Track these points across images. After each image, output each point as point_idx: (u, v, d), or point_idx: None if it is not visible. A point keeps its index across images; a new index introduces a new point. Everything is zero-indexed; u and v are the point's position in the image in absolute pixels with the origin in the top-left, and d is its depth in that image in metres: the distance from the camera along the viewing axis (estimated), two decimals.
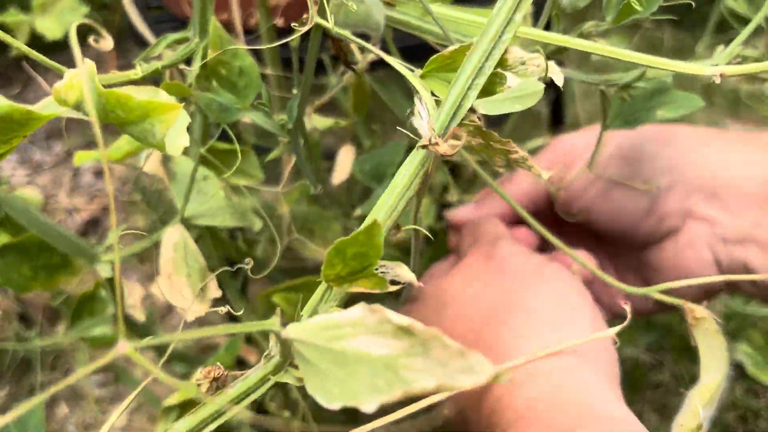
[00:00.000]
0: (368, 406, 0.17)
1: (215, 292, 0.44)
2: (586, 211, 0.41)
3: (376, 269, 0.22)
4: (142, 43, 0.55)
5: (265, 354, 0.23)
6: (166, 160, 0.53)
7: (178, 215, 0.49)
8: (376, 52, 0.28)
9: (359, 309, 0.18)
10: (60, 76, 0.28)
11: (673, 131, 0.41)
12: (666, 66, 0.25)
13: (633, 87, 0.37)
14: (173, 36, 0.38)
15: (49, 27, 0.73)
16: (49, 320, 0.86)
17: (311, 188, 0.38)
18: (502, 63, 0.27)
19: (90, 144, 1.16)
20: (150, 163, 0.52)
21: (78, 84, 0.23)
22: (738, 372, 0.99)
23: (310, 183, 0.37)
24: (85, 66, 0.22)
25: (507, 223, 0.44)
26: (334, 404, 0.18)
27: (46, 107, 0.28)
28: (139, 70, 0.35)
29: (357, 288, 0.23)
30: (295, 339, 0.19)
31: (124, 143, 0.51)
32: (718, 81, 0.25)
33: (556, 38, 0.26)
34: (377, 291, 0.23)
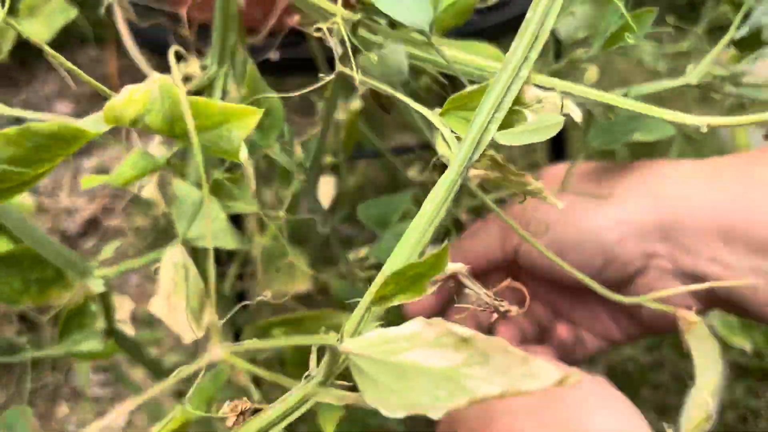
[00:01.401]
0: (434, 414, 0.18)
1: (212, 316, 0.44)
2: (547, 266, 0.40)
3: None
4: (144, 44, 0.55)
5: (305, 375, 0.24)
6: (163, 184, 0.54)
7: (180, 236, 0.50)
8: (403, 99, 0.30)
9: (416, 324, 0.19)
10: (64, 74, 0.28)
11: (629, 165, 0.40)
12: (658, 114, 0.27)
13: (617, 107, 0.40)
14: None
15: (37, 30, 0.72)
16: (51, 321, 0.84)
17: (318, 225, 0.39)
18: (519, 100, 0.29)
19: (91, 145, 1.14)
20: (146, 190, 0.53)
21: (140, 99, 0.24)
22: (738, 372, 1.02)
23: (319, 222, 0.38)
24: (162, 79, 0.23)
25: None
26: (396, 414, 0.19)
27: (94, 124, 0.29)
28: None
29: (396, 302, 0.24)
30: (352, 353, 0.20)
31: (128, 169, 0.51)
32: (704, 131, 0.27)
33: (545, 80, 0.28)
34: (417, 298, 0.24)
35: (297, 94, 0.35)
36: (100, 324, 0.51)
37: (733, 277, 0.33)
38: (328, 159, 0.60)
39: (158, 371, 0.60)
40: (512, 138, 0.28)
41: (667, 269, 0.37)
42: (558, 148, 0.78)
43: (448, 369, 0.18)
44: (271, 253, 0.58)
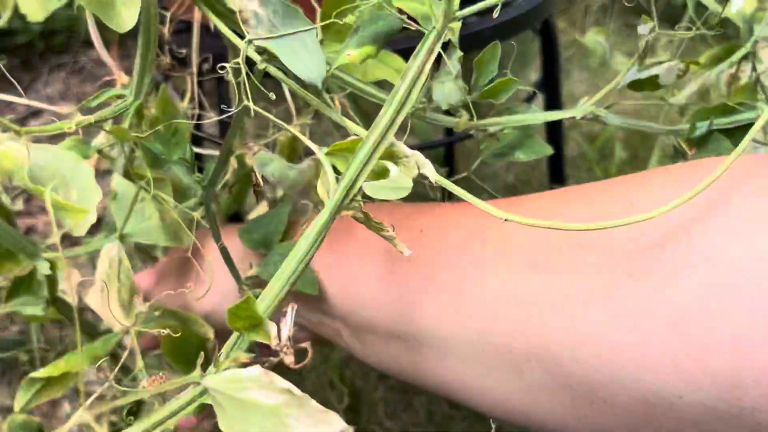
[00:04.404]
0: None
1: (141, 307, 0.50)
2: None
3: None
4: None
5: (192, 381, 0.30)
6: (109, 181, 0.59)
7: (117, 231, 0.55)
8: (302, 138, 0.34)
9: (256, 370, 0.26)
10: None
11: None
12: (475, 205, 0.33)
13: (500, 134, 0.45)
14: (113, 91, 0.43)
15: (31, 8, 0.75)
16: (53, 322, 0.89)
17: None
18: (393, 154, 0.34)
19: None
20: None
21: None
22: None
23: (213, 237, 0.43)
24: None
25: None
26: None
27: None
28: (72, 124, 0.40)
29: (252, 338, 0.30)
30: (210, 387, 0.26)
31: None
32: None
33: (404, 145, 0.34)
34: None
35: (210, 120, 0.39)
36: (44, 292, 0.56)
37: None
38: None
39: (93, 334, 0.67)
40: (375, 191, 0.33)
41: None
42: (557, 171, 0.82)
43: (275, 406, 0.25)
44: None
